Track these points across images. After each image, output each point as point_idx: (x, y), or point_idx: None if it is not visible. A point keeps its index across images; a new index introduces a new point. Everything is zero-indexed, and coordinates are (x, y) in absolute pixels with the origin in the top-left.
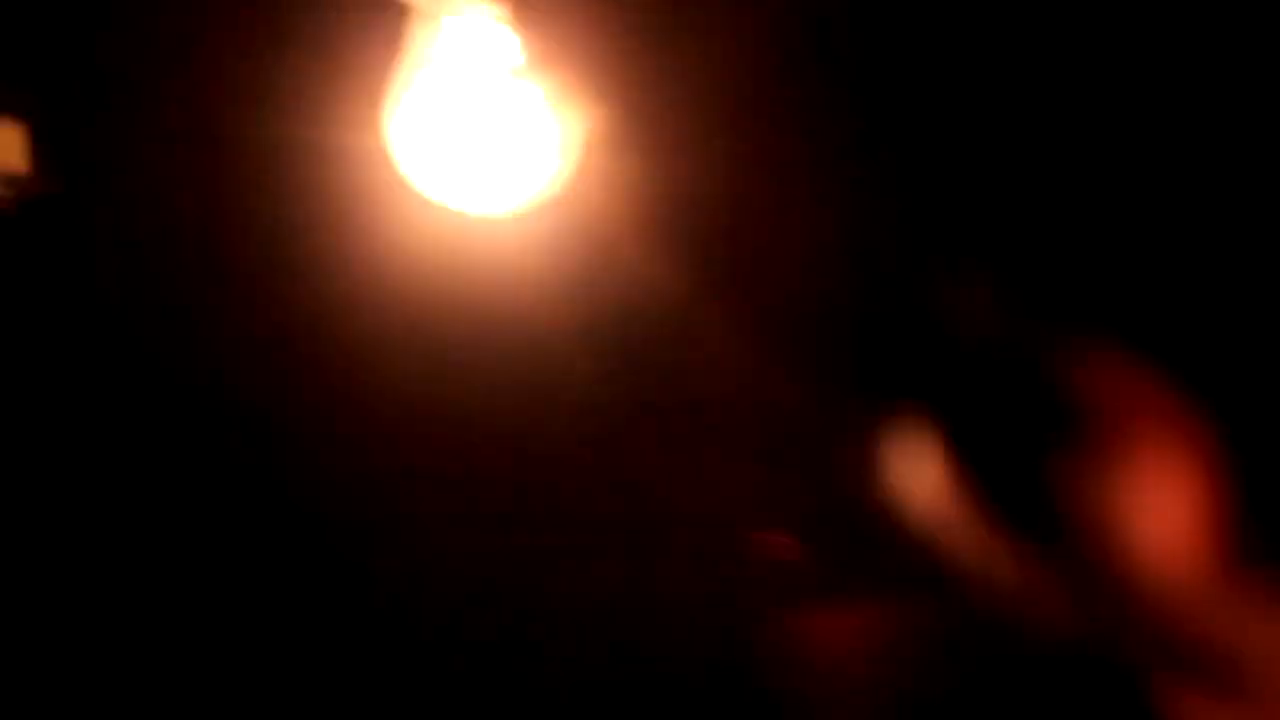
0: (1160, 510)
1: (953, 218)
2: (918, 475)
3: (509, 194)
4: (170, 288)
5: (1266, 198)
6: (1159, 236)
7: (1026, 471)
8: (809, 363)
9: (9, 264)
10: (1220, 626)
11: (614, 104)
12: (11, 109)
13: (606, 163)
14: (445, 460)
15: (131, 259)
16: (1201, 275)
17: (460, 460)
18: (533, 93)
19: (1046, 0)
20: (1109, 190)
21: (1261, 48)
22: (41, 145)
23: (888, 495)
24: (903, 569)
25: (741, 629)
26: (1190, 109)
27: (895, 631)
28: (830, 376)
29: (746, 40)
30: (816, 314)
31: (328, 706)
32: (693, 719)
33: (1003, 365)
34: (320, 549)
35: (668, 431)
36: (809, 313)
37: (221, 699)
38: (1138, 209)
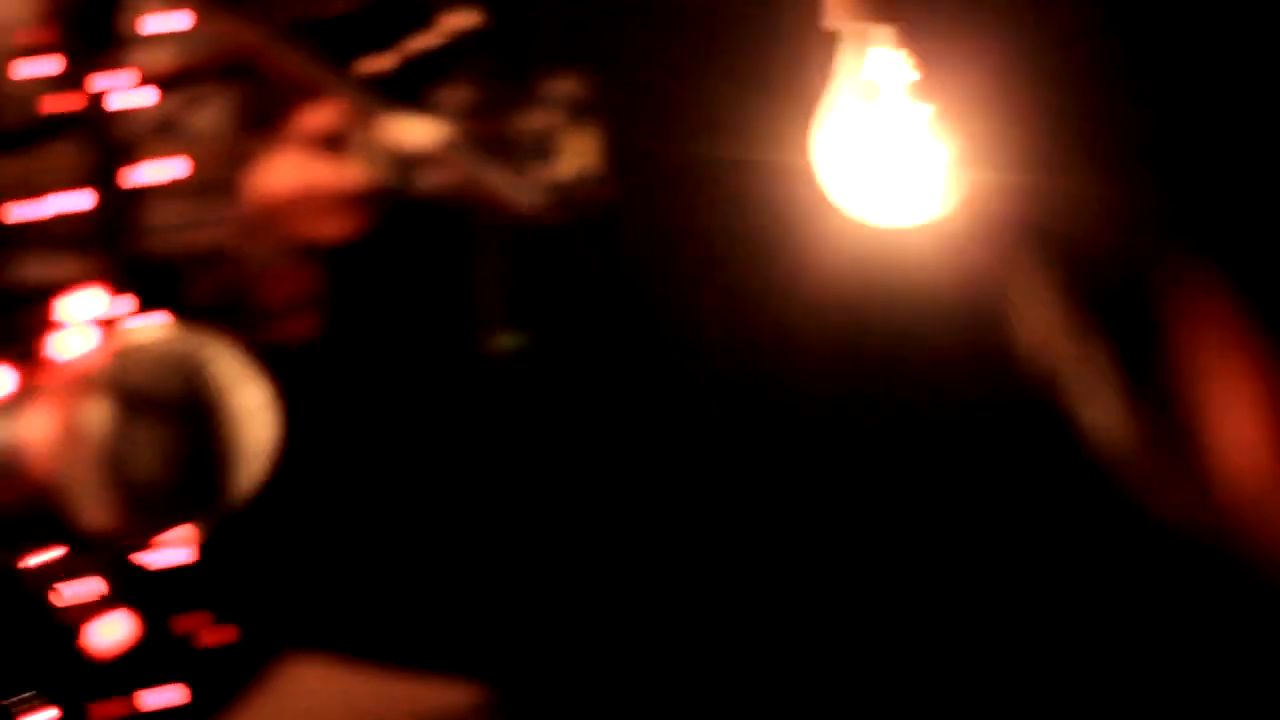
0: (1233, 413)
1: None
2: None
3: (916, 208)
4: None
5: None
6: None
7: (1143, 363)
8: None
9: (573, 267)
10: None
11: (1002, 123)
12: (594, 112)
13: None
14: (853, 468)
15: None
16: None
17: (870, 468)
18: (929, 111)
19: None
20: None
21: None
22: (615, 150)
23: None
24: None
25: None
26: None
27: None
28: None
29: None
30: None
31: None
32: None
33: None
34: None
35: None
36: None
37: None
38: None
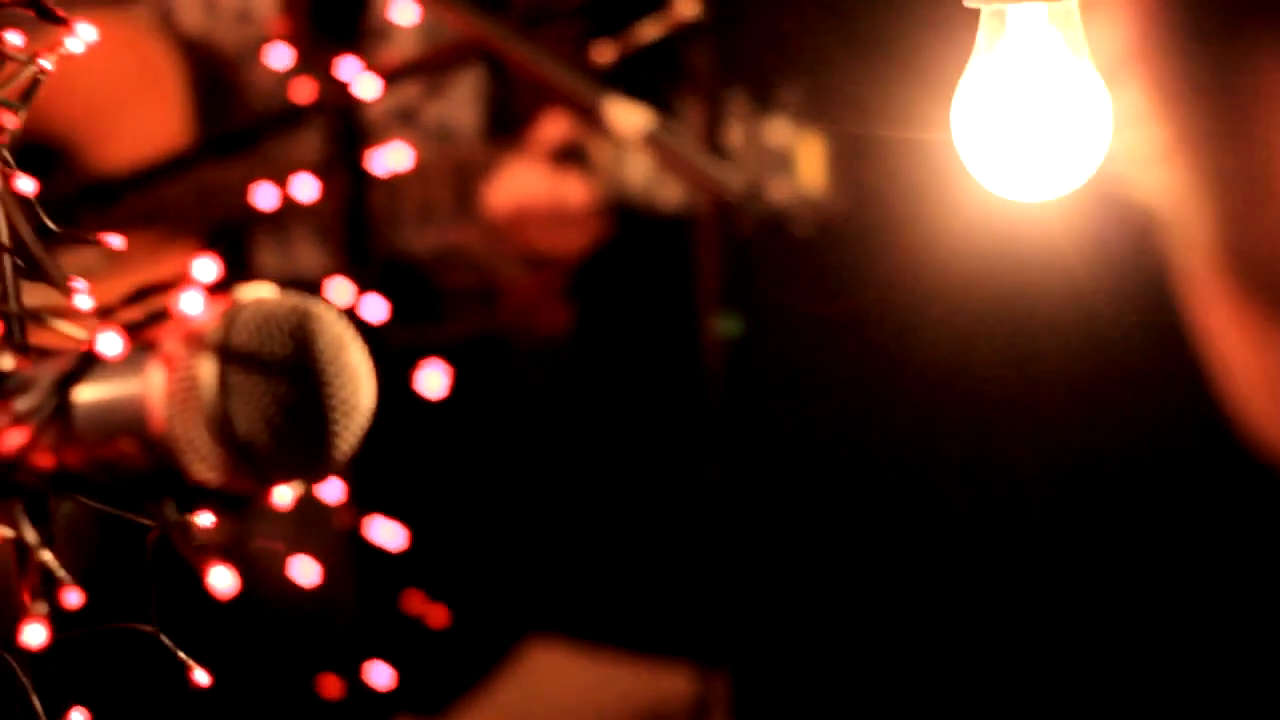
0: None
1: None
2: None
3: (1056, 182)
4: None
5: None
6: None
7: None
8: None
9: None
10: None
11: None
12: (817, 125)
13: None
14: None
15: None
16: None
17: (1011, 442)
18: (1079, 85)
19: None
20: None
21: None
22: (839, 164)
23: None
24: None
25: None
26: None
27: None
28: None
29: None
30: None
31: None
32: None
33: None
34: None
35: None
36: None
37: None
38: None
